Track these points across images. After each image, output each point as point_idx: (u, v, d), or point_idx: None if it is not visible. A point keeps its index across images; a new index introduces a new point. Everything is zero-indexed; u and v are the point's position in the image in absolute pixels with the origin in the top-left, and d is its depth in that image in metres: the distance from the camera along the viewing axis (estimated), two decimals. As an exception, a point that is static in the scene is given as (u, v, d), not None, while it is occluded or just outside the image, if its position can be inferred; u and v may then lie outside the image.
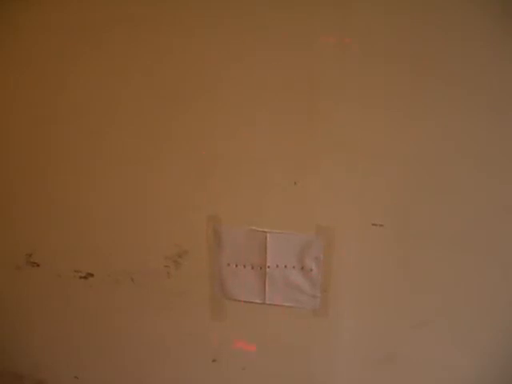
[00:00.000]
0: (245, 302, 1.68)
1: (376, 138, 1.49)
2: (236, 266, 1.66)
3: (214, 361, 1.76)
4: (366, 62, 1.45)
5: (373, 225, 1.54)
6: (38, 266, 1.83)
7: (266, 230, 1.61)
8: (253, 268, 1.65)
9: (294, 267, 1.62)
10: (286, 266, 1.62)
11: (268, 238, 1.61)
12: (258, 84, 1.53)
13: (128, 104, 1.64)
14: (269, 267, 1.63)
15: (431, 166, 1.48)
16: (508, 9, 1.34)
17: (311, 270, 1.61)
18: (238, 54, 1.53)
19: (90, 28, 1.62)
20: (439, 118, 1.45)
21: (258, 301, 1.67)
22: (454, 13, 1.39)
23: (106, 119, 1.67)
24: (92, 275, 1.79)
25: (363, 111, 1.48)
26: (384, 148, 1.50)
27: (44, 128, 1.73)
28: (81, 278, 1.80)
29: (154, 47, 1.58)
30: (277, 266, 1.63)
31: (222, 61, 1.55)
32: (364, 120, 1.49)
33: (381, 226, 1.53)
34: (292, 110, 1.53)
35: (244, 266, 1.65)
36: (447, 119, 1.45)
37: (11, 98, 1.74)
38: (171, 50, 1.57)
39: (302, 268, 1.62)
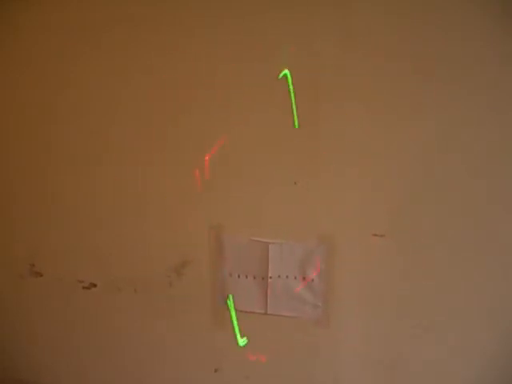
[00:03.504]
0: (247, 312, 1.68)
1: (376, 146, 1.49)
2: (238, 276, 1.66)
3: (216, 370, 1.76)
4: (367, 62, 1.45)
5: (374, 235, 1.54)
6: (41, 275, 1.83)
7: (267, 240, 1.61)
8: (255, 278, 1.65)
9: (295, 277, 1.62)
10: (287, 276, 1.63)
11: (270, 249, 1.61)
12: (259, 84, 1.53)
13: (128, 104, 1.64)
14: (271, 277, 1.63)
15: (432, 174, 1.48)
16: (508, 9, 1.34)
17: (313, 280, 1.62)
18: (237, 55, 1.53)
19: (90, 28, 1.62)
20: (441, 123, 1.45)
21: (259, 311, 1.66)
22: (454, 13, 1.39)
23: (106, 119, 1.67)
24: (95, 285, 1.79)
25: (363, 116, 1.48)
26: (385, 156, 1.50)
27: (44, 129, 1.72)
28: (84, 288, 1.79)
29: (154, 47, 1.58)
30: (278, 276, 1.63)
31: (222, 61, 1.55)
32: (365, 126, 1.49)
33: (381, 236, 1.54)
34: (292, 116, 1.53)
35: (246, 276, 1.65)
36: (449, 123, 1.44)
37: (11, 98, 1.74)
38: (171, 49, 1.57)
39: (304, 278, 1.62)
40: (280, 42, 1.49)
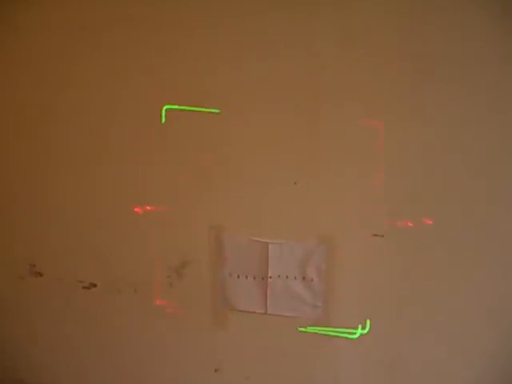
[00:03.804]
0: (247, 312, 1.68)
1: (377, 146, 1.49)
2: (238, 276, 1.66)
3: (216, 370, 1.76)
4: (367, 62, 1.45)
5: (374, 235, 1.54)
6: (41, 275, 1.82)
7: (267, 240, 1.61)
8: (254, 278, 1.65)
9: (295, 277, 1.62)
10: (287, 277, 1.63)
11: (270, 249, 1.61)
12: (258, 83, 1.53)
13: (128, 104, 1.63)
14: (270, 277, 1.63)
15: (431, 175, 1.48)
16: (508, 9, 1.34)
17: (312, 280, 1.61)
18: (237, 55, 1.53)
19: (90, 28, 1.62)
20: (440, 124, 1.45)
21: (259, 311, 1.66)
22: (454, 13, 1.39)
23: (106, 119, 1.67)
24: (95, 285, 1.78)
25: (363, 116, 1.48)
26: (385, 156, 1.50)
27: (44, 129, 1.72)
28: (84, 288, 1.79)
29: (154, 47, 1.58)
30: (278, 276, 1.63)
31: (222, 61, 1.54)
32: (365, 127, 1.49)
33: (381, 236, 1.54)
34: (293, 120, 1.53)
35: (246, 277, 1.66)
36: (448, 125, 1.45)
37: (11, 98, 1.73)
38: (171, 49, 1.57)
39: (304, 278, 1.62)
40: (280, 41, 1.49)
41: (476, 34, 1.39)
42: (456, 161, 1.47)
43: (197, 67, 1.56)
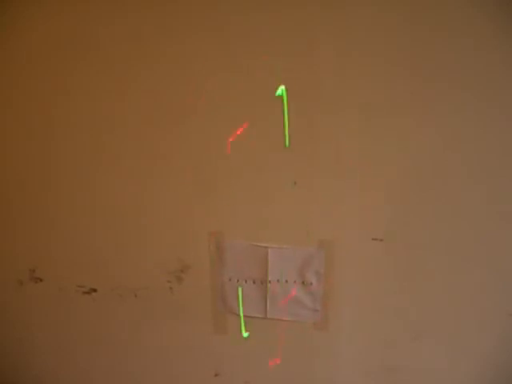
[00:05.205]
0: (246, 316, 1.68)
1: (375, 149, 1.49)
2: (237, 280, 1.67)
3: (216, 375, 1.76)
4: (366, 64, 1.45)
5: (373, 239, 1.54)
6: (41, 281, 1.81)
7: (267, 245, 1.61)
8: (254, 283, 1.65)
9: (294, 282, 1.63)
10: (286, 281, 1.63)
11: (269, 253, 1.61)
12: (258, 86, 1.53)
13: (129, 111, 1.63)
14: (270, 282, 1.64)
15: (431, 178, 1.48)
16: (508, 9, 1.35)
17: (312, 284, 1.62)
18: (237, 57, 1.52)
19: (90, 29, 1.61)
20: (440, 126, 1.45)
21: (259, 315, 1.67)
22: (454, 13, 1.39)
23: (107, 124, 1.66)
24: (95, 290, 1.78)
25: (363, 120, 1.48)
26: (384, 160, 1.49)
27: (46, 132, 1.71)
28: (84, 293, 1.78)
29: (155, 50, 1.58)
30: (278, 280, 1.63)
31: (221, 62, 1.54)
32: (363, 130, 1.48)
33: (380, 240, 1.54)
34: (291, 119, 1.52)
35: (245, 281, 1.66)
36: (448, 127, 1.44)
37: (11, 101, 1.72)
38: (172, 52, 1.56)
39: (303, 282, 1.62)
40: (280, 41, 1.49)
41: (476, 34, 1.39)
42: (456, 161, 1.47)
43: (195, 69, 1.56)
